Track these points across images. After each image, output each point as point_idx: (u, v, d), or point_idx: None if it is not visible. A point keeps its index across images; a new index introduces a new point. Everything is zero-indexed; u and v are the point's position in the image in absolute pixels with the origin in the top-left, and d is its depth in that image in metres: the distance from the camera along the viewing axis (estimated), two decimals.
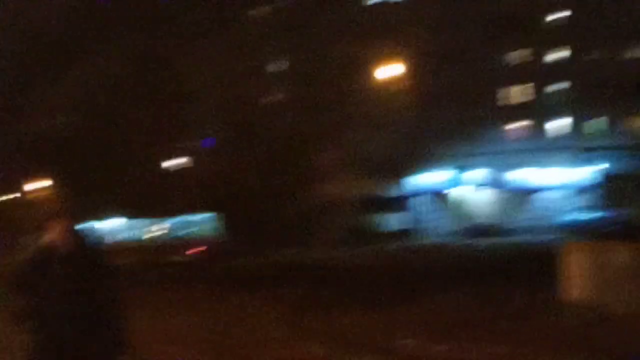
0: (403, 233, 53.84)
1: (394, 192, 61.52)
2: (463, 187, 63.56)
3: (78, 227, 5.47)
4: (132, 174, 66.89)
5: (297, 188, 63.75)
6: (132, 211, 68.37)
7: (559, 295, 16.13)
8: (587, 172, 63.53)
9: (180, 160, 71.14)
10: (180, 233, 65.19)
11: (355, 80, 59.53)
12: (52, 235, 5.42)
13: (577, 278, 15.51)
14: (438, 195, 63.36)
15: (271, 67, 69.66)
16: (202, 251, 55.76)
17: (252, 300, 23.12)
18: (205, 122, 67.11)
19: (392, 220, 61.09)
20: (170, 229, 66.13)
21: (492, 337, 14.01)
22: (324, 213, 62.94)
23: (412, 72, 46.82)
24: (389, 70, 46.89)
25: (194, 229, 65.98)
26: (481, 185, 63.90)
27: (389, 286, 24.97)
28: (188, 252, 56.43)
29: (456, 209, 63.34)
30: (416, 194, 60.51)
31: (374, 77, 53.03)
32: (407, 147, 48.17)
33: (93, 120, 69.75)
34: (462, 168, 62.87)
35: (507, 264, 30.75)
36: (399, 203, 60.23)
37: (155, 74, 68.07)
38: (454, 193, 63.61)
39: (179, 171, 69.81)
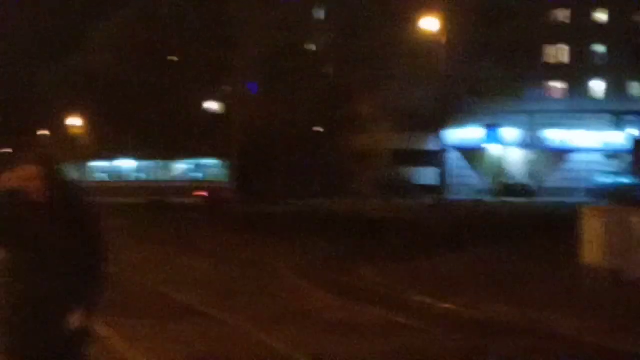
0: (434, 188, 53.59)
1: (427, 146, 61.32)
2: (495, 144, 63.26)
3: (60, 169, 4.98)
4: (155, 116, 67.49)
5: (332, 138, 63.77)
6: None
7: (577, 258, 16.06)
8: (620, 137, 62.96)
9: (215, 105, 71.30)
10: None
11: (392, 34, 59.26)
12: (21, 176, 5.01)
13: (594, 242, 15.40)
14: (470, 152, 63.17)
15: (312, 17, 69.45)
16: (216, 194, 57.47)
17: (276, 246, 23.42)
18: (246, 68, 67.15)
19: (424, 175, 60.95)
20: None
21: (505, 297, 13.98)
22: (358, 164, 62.96)
23: (448, 28, 46.32)
24: (426, 25, 46.38)
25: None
26: (513, 144, 63.57)
27: (414, 240, 25.10)
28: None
29: (487, 167, 63.12)
30: (449, 149, 60.20)
31: (410, 32, 52.63)
32: (441, 102, 47.88)
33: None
34: (495, 126, 62.51)
35: (531, 224, 30.63)
36: (431, 158, 59.93)
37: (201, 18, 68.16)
38: (486, 150, 63.40)
39: (213, 115, 69.98)
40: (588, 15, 64.50)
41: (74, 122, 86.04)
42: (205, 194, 58.90)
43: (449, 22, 47.09)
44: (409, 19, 53.14)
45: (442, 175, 48.56)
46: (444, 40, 45.06)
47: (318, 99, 63.19)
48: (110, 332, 10.28)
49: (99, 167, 73.15)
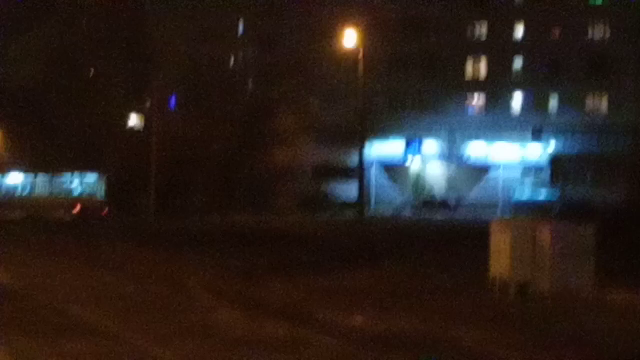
0: (354, 203, 53.62)
1: (348, 161, 61.37)
2: (416, 158, 63.56)
3: None
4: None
5: (253, 153, 63.55)
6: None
7: (489, 271, 16.08)
8: (539, 151, 63.71)
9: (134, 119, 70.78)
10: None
11: (311, 49, 59.32)
12: None
13: (502, 254, 15.41)
14: (391, 167, 63.39)
15: (233, 32, 69.31)
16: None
17: (188, 261, 23.11)
18: (166, 82, 66.70)
19: (345, 190, 60.99)
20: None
21: (412, 311, 13.93)
22: (279, 180, 62.84)
23: (368, 42, 46.44)
24: (347, 39, 46.46)
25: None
26: (434, 157, 63.94)
27: (331, 256, 25.04)
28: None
29: (408, 182, 63.39)
30: (370, 164, 60.32)
31: (330, 46, 52.72)
32: (362, 116, 47.90)
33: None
34: (416, 140, 62.82)
35: (446, 239, 30.82)
36: (352, 172, 60.03)
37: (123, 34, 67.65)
38: (406, 165, 63.65)
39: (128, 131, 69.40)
40: (507, 29, 65.25)
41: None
42: (77, 209, 59.28)
43: (369, 36, 47.23)
44: (329, 34, 53.26)
45: (363, 190, 48.52)
46: (362, 54, 45.12)
47: (238, 114, 62.97)
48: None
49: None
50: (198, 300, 15.42)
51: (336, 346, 11.12)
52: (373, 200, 59.92)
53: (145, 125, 68.46)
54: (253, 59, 66.85)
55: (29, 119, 71.47)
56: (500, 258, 15.37)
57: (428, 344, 11.33)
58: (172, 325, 12.51)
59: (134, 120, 71.30)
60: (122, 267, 21.41)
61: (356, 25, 46.60)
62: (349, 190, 58.62)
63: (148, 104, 67.83)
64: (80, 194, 64.50)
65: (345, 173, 60.36)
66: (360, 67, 45.52)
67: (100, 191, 64.06)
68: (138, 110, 70.06)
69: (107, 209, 60.84)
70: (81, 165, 66.58)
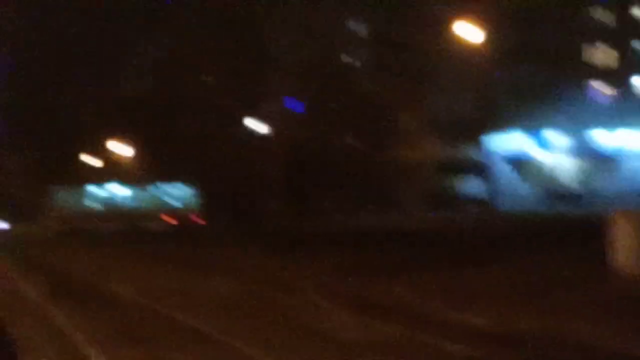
0: (480, 198, 53.11)
1: (471, 156, 60.56)
2: (541, 151, 62.21)
3: None
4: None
5: (375, 152, 63.28)
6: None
7: (610, 266, 15.49)
8: None
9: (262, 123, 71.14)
10: None
11: (429, 43, 58.68)
12: None
13: (625, 247, 14.78)
14: (516, 160, 62.21)
15: (354, 30, 69.11)
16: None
17: (307, 264, 23.06)
18: (284, 85, 67.00)
19: (468, 185, 60.23)
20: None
21: (532, 308, 13.48)
22: (402, 177, 62.38)
23: (489, 34, 45.68)
24: (467, 32, 45.83)
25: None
26: (559, 149, 62.46)
27: (454, 253, 24.73)
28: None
29: (533, 175, 62.10)
30: (493, 158, 59.37)
31: (447, 40, 52.05)
32: (483, 110, 47.20)
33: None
34: (540, 131, 61.45)
35: (574, 231, 29.98)
36: (476, 168, 59.31)
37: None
38: (531, 158, 62.38)
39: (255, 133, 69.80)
40: (629, 12, 63.32)
41: (115, 146, 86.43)
42: (171, 219, 62.38)
43: (487, 28, 46.49)
44: (447, 28, 52.59)
45: (488, 185, 47.79)
46: (481, 47, 44.50)
47: (359, 113, 62.79)
48: None
49: (93, 192, 73.11)
50: (311, 303, 15.18)
51: (449, 347, 10.72)
52: (499, 195, 58.89)
53: (267, 129, 68.89)
54: (371, 56, 66.51)
55: (145, 129, 72.77)
56: (623, 250, 14.71)
57: (547, 341, 10.85)
58: (280, 330, 12.28)
59: (255, 124, 71.72)
60: (238, 273, 21.37)
61: (474, 17, 45.95)
62: (474, 185, 57.97)
63: (268, 108, 68.24)
64: (174, 205, 66.49)
65: (470, 168, 59.55)
66: (480, 60, 44.89)
67: (194, 202, 65.88)
68: (258, 115, 70.46)
69: (201, 218, 63.22)
70: (184, 175, 67.79)
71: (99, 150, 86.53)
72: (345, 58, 68.56)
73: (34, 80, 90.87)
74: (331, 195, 62.14)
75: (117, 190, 70.54)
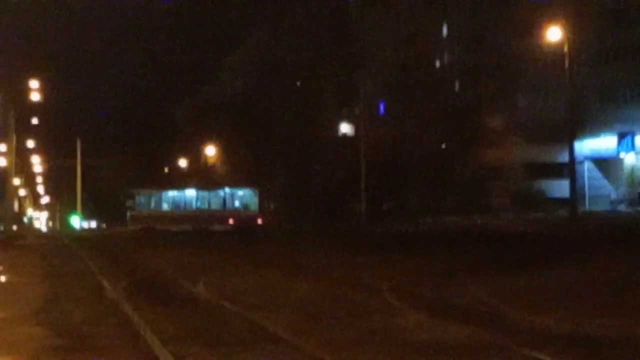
0: (567, 200, 52.04)
1: (559, 157, 59.64)
2: (630, 153, 60.94)
3: None
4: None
5: (462, 153, 62.75)
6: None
7: None
8: None
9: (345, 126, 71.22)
10: None
11: (516, 45, 57.98)
12: None
13: None
14: (604, 162, 61.08)
15: (437, 33, 68.71)
16: None
17: (386, 265, 22.89)
18: (373, 87, 66.88)
19: (557, 187, 59.27)
20: None
21: (611, 310, 13.11)
22: (489, 179, 61.75)
23: (574, 35, 44.89)
24: (552, 33, 45.19)
25: None
26: None
27: (537, 253, 24.34)
28: None
29: (622, 176, 60.89)
30: (582, 160, 58.31)
31: (535, 42, 51.36)
32: (571, 111, 46.33)
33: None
34: (629, 133, 60.18)
35: None
36: (563, 169, 58.23)
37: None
38: (620, 160, 61.17)
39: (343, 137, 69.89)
40: None
41: (210, 150, 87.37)
42: (231, 221, 65.97)
43: (574, 29, 45.72)
44: (533, 29, 51.90)
45: (574, 187, 46.91)
46: (568, 48, 43.79)
47: (446, 115, 62.32)
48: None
49: (167, 196, 76.22)
50: (386, 304, 14.95)
51: (524, 350, 10.40)
52: (586, 197, 57.88)
53: (356, 131, 68.82)
54: (458, 58, 65.98)
55: (243, 132, 73.30)
56: None
57: (621, 344, 10.47)
58: (353, 331, 12.07)
59: (345, 127, 71.81)
60: (318, 273, 21.25)
61: (561, 18, 45.28)
62: (561, 187, 56.94)
63: (357, 110, 68.15)
64: (236, 207, 68.74)
65: (557, 170, 58.61)
66: (567, 61, 44.17)
67: (254, 204, 68.08)
68: (347, 117, 70.52)
69: (260, 219, 67.54)
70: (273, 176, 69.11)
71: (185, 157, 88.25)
72: (433, 59, 68.16)
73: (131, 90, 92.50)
74: (417, 196, 61.78)
75: (191, 194, 73.36)
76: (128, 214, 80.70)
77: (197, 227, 60.58)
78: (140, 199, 77.96)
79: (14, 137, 76.43)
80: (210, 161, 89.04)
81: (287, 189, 72.98)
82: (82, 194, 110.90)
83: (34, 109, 77.38)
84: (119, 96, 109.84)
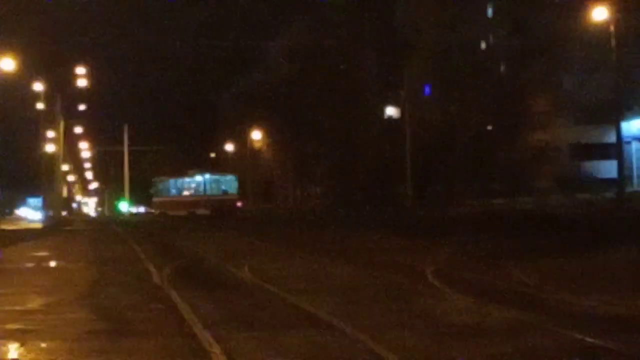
0: (614, 181, 51.50)
1: (606, 138, 59.03)
2: None
3: None
4: None
5: (508, 136, 62.33)
6: None
7: None
8: None
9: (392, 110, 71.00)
10: None
11: (561, 26, 57.37)
12: None
13: None
14: None
15: (481, 14, 68.23)
16: None
17: (431, 248, 22.84)
18: (419, 70, 66.61)
19: (604, 168, 58.69)
20: None
21: None
22: (534, 162, 61.29)
23: (623, 14, 44.33)
24: (597, 13, 44.64)
25: None
26: None
27: (584, 237, 24.14)
28: None
29: None
30: (628, 141, 57.61)
31: (582, 21, 50.73)
32: (618, 92, 45.79)
33: None
34: None
35: None
36: (610, 150, 57.57)
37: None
38: None
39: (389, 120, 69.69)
40: None
41: (256, 136, 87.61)
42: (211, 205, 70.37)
43: (621, 8, 45.13)
44: (579, 8, 51.30)
45: (622, 168, 46.42)
46: (614, 27, 43.28)
47: (491, 97, 61.91)
48: (214, 347, 9.77)
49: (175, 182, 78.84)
50: (430, 288, 14.89)
51: (562, 331, 10.29)
52: (634, 177, 57.23)
53: (401, 114, 68.56)
54: (503, 40, 65.45)
55: (287, 117, 73.47)
56: None
57: None
58: (397, 314, 12.01)
59: (390, 110, 71.57)
60: (362, 257, 21.24)
61: None
62: (608, 167, 56.38)
63: (402, 93, 67.87)
64: (215, 193, 72.37)
65: (604, 151, 58.04)
66: (614, 41, 43.66)
67: (234, 188, 72.66)
68: (393, 100, 70.27)
69: (240, 203, 72.81)
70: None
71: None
72: (477, 42, 67.70)
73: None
74: (463, 179, 61.51)
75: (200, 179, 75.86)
76: (153, 200, 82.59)
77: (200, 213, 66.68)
78: (159, 185, 79.46)
79: (62, 124, 77.08)
80: (256, 146, 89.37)
81: (332, 173, 73.10)
82: (130, 180, 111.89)
83: (81, 95, 78.00)
84: (165, 83, 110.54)
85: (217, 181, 75.45)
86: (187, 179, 77.68)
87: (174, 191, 77.69)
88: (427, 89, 68.12)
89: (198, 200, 73.34)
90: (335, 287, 15.23)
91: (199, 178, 76.16)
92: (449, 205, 51.46)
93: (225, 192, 73.96)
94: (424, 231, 31.70)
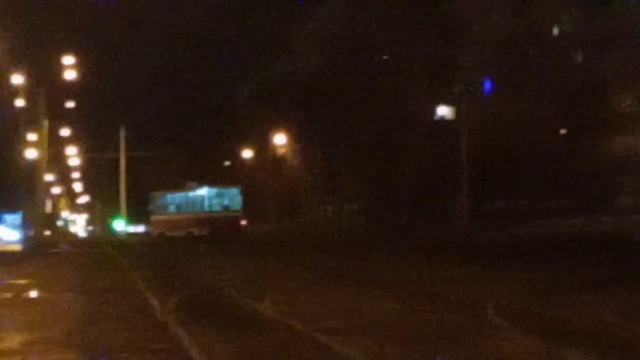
0: None
1: None
2: None
3: None
4: None
5: (585, 141, 62.21)
6: None
7: None
8: None
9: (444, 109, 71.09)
10: None
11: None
12: None
13: None
14: None
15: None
16: None
17: (492, 279, 22.84)
18: (475, 63, 66.63)
19: None
20: None
21: None
22: (618, 173, 61.15)
23: None
24: None
25: None
26: None
27: None
28: None
29: None
30: None
31: None
32: None
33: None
34: None
35: None
36: None
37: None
38: None
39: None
40: None
41: (279, 140, 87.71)
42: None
43: None
44: None
45: None
46: None
47: (565, 95, 61.75)
48: None
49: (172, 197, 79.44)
50: (490, 326, 14.87)
51: None
52: None
53: (456, 114, 68.57)
54: (579, 26, 65.28)
55: (317, 117, 73.55)
56: None
57: None
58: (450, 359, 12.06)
59: (442, 110, 71.65)
60: (407, 288, 21.28)
61: None
62: None
63: (457, 90, 67.89)
64: (214, 209, 71.68)
65: None
66: None
67: (237, 204, 71.06)
68: (446, 98, 70.28)
69: (244, 221, 73.61)
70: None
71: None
72: (548, 28, 67.61)
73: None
74: (529, 194, 61.40)
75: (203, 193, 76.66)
76: (151, 218, 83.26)
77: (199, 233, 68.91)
78: (157, 201, 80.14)
79: (46, 124, 77.43)
80: (279, 153, 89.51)
81: (372, 186, 73.11)
82: (127, 193, 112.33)
83: (70, 90, 78.32)
84: (169, 77, 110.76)
85: (217, 195, 75.96)
86: (183, 194, 78.20)
87: (172, 208, 78.31)
88: (487, 85, 68.06)
89: (195, 218, 73.97)
90: (376, 326, 15.21)
91: (196, 192, 76.63)
92: (513, 226, 51.38)
93: (226, 208, 74.44)
94: (482, 257, 31.71)
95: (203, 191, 76.53)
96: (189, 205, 76.86)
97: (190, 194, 77.39)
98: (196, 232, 71.92)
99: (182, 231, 72.73)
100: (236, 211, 74.58)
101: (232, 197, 75.54)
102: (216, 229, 70.19)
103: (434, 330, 14.65)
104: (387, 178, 70.39)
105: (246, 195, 78.66)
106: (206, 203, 75.59)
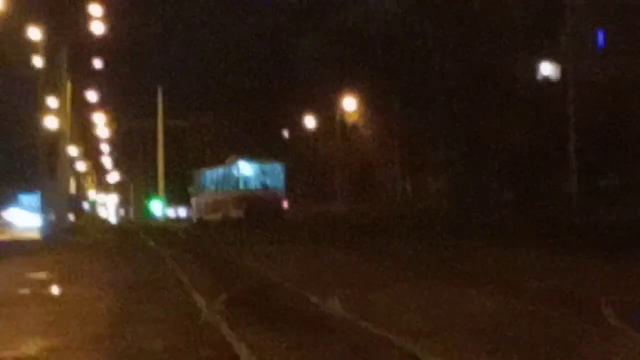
0: None
1: None
2: None
3: None
4: None
5: None
6: None
7: None
8: None
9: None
10: None
11: None
12: None
13: None
14: None
15: None
16: None
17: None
18: (591, 11, 66.36)
19: None
20: None
21: None
22: None
23: None
24: None
25: None
26: None
27: None
28: None
29: None
30: None
31: None
32: None
33: None
34: None
35: None
36: None
37: None
38: None
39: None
40: None
41: (349, 104, 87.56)
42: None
43: None
44: None
45: None
46: None
47: None
48: None
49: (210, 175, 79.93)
50: (604, 327, 14.77)
51: None
52: None
53: (562, 73, 68.27)
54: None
55: (394, 77, 73.54)
56: None
57: None
58: None
59: (546, 69, 71.36)
60: (505, 281, 21.27)
61: None
62: None
63: (563, 44, 67.53)
64: (252, 187, 71.73)
65: None
66: None
67: (280, 182, 70.87)
68: (550, 55, 69.95)
69: (286, 202, 74.39)
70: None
71: None
72: None
73: None
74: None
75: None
76: (191, 200, 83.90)
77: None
78: (196, 179, 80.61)
79: (68, 88, 77.65)
80: (349, 121, 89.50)
81: (459, 160, 73.00)
82: (166, 169, 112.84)
83: (97, 47, 78.64)
84: (212, 30, 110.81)
85: (256, 170, 75.54)
86: (220, 170, 78.33)
87: (211, 187, 78.61)
88: (600, 38, 67.65)
89: (230, 198, 73.87)
90: (468, 327, 15.16)
91: (231, 168, 76.43)
92: (631, 205, 51.17)
93: (265, 187, 74.09)
94: (595, 243, 31.65)
95: (239, 166, 75.77)
96: (225, 184, 76.91)
97: (226, 170, 77.33)
98: (233, 214, 71.79)
99: (217, 214, 72.90)
100: (277, 191, 73.83)
101: (272, 173, 74.96)
102: (252, 211, 69.65)
103: (539, 332, 14.59)
104: (480, 149, 70.24)
105: (309, 172, 78.71)
106: (241, 179, 75.09)
